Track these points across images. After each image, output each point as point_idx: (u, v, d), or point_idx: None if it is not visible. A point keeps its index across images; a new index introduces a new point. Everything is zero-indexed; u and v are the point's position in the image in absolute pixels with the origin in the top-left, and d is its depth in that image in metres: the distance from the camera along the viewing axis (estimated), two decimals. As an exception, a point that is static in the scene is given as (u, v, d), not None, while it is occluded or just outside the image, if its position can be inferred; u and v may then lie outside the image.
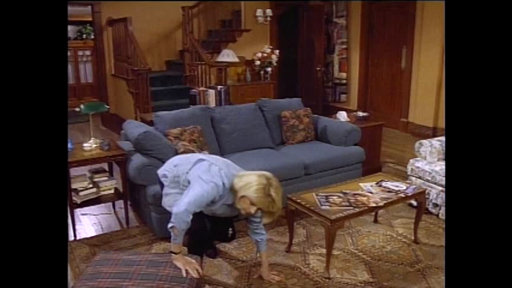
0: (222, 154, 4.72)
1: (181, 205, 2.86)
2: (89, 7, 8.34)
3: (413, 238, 3.99)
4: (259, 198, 2.91)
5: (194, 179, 3.02)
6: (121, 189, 4.30)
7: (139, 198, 4.23)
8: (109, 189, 4.28)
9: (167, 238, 3.92)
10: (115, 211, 4.59)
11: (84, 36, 11.15)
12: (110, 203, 4.57)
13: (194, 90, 6.26)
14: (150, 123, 4.74)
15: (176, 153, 4.09)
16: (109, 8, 8.16)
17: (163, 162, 3.98)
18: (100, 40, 8.47)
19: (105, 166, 4.45)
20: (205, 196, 2.92)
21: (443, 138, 4.87)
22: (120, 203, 4.42)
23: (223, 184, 2.99)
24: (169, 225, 2.88)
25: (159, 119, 4.56)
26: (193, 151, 4.14)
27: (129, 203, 4.34)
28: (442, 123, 7.43)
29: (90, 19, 8.72)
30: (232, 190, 3.01)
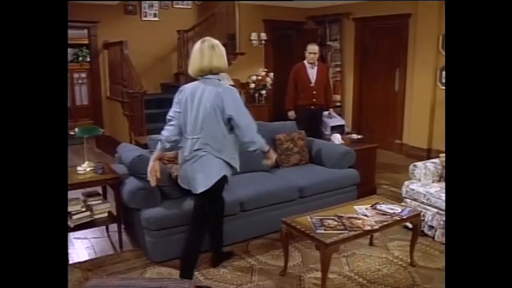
0: (216, 177, 4.70)
1: (251, 128, 3.32)
2: (86, 30, 8.39)
3: (409, 260, 3.96)
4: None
5: (228, 104, 3.26)
6: (114, 213, 4.26)
7: (133, 222, 4.18)
8: (103, 213, 4.23)
9: (161, 262, 3.90)
10: (108, 235, 4.53)
11: (80, 58, 11.20)
12: (104, 227, 4.50)
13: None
14: (145, 146, 4.72)
15: (170, 176, 4.07)
16: (105, 32, 8.20)
17: (157, 186, 3.96)
18: (96, 62, 8.49)
19: (99, 189, 4.41)
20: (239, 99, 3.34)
21: (437, 160, 4.88)
22: (113, 227, 4.37)
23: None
24: (252, 149, 3.38)
25: (154, 142, 4.50)
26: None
27: (123, 226, 4.29)
28: (436, 145, 7.45)
29: (87, 42, 8.77)
30: (224, 70, 3.42)
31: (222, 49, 3.39)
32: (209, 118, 3.27)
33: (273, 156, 3.57)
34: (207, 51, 3.32)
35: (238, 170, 3.53)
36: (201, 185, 3.35)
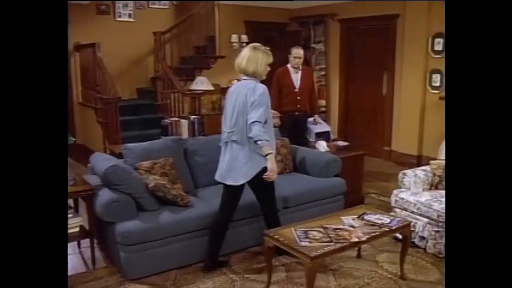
0: (195, 187, 4.70)
1: (255, 117, 3.66)
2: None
3: (399, 273, 3.98)
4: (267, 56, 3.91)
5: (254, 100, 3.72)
6: (87, 227, 4.21)
7: (106, 236, 4.14)
8: (74, 227, 4.17)
9: (137, 279, 3.87)
10: (80, 251, 4.48)
11: (50, 62, 11.10)
12: (75, 242, 4.45)
13: (166, 120, 6.25)
14: (119, 156, 4.69)
15: (147, 187, 4.05)
16: (76, 33, 8.13)
17: (133, 198, 3.95)
18: (67, 66, 8.42)
19: (70, 201, 4.36)
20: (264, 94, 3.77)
21: (427, 168, 4.92)
22: (86, 242, 4.32)
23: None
24: (252, 141, 3.70)
25: (129, 151, 4.52)
26: (164, 185, 4.10)
27: (95, 241, 4.25)
28: (426, 151, 7.51)
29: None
30: (256, 74, 3.86)
31: (260, 56, 3.87)
32: (240, 113, 3.80)
33: (271, 171, 3.81)
34: (245, 53, 3.89)
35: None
36: (243, 176, 3.88)
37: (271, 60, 3.95)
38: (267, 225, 4.10)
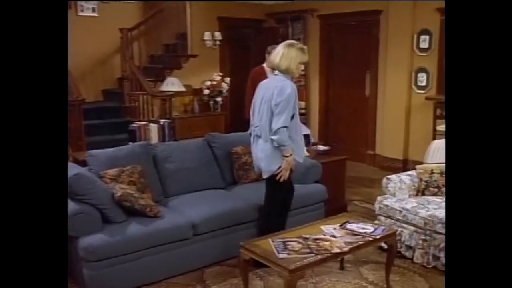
0: (165, 196, 4.67)
1: (280, 122, 3.90)
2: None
3: (385, 286, 4.00)
4: (302, 54, 4.10)
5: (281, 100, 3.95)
6: (47, 241, 4.15)
7: (69, 252, 4.08)
8: (34, 242, 4.12)
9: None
10: (40, 267, 4.41)
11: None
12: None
13: (134, 124, 6.20)
14: (83, 163, 4.64)
15: (113, 197, 4.01)
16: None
17: (97, 209, 3.91)
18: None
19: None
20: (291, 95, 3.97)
21: (413, 172, 4.95)
22: (46, 258, 4.25)
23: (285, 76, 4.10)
24: (275, 145, 3.98)
25: (94, 158, 4.47)
26: (131, 195, 4.06)
27: (57, 257, 4.18)
28: (412, 155, 7.57)
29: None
30: (288, 71, 4.07)
31: (294, 54, 4.06)
32: (265, 110, 4.05)
33: (283, 169, 4.08)
34: (279, 49, 4.11)
35: (301, 161, 4.32)
36: (265, 172, 4.16)
37: (306, 58, 4.18)
38: (259, 229, 4.34)
